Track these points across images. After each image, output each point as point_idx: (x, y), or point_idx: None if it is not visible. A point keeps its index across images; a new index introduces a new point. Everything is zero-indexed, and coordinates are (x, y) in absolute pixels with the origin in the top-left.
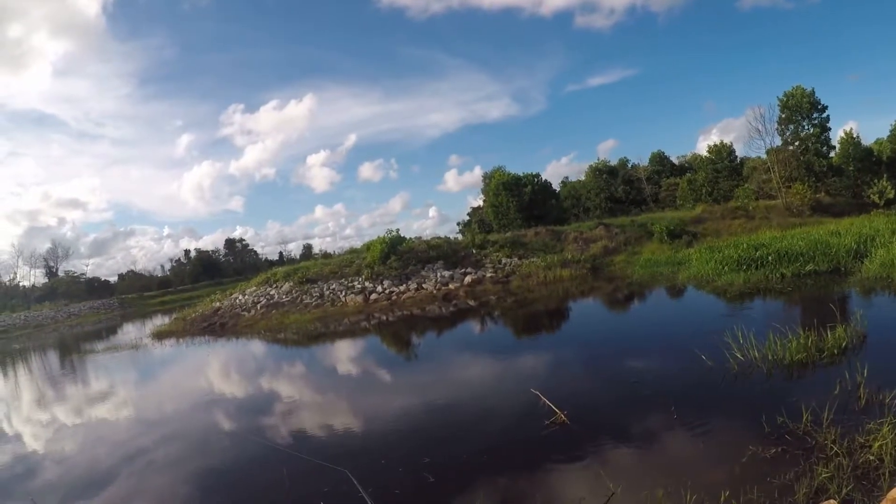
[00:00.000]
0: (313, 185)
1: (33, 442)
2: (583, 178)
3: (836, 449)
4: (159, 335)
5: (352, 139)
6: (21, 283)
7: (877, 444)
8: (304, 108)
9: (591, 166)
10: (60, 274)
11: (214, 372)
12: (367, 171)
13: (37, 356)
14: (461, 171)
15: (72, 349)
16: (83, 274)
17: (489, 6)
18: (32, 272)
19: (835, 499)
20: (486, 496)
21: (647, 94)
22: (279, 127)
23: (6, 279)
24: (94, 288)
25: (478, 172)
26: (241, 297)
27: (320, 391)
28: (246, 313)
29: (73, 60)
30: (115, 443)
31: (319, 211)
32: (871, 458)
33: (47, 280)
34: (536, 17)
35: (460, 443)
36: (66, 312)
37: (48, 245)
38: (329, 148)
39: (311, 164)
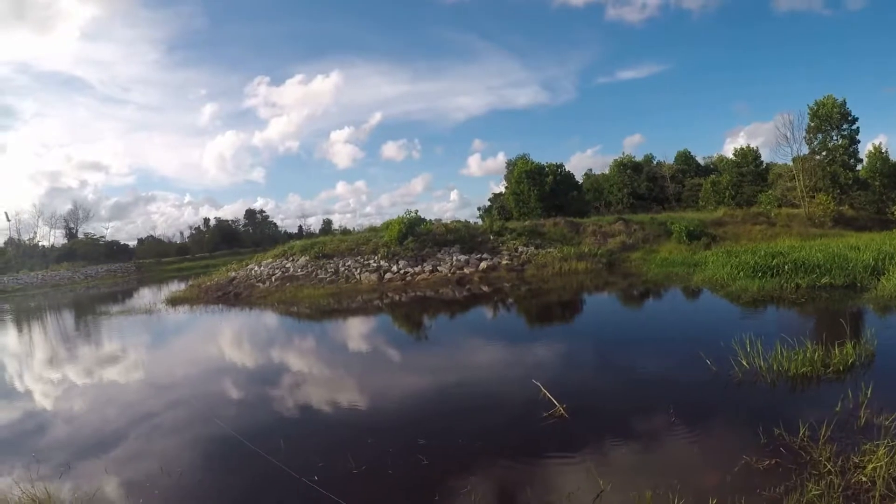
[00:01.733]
0: (336, 161)
1: (41, 399)
2: (606, 171)
3: (829, 467)
4: (174, 301)
5: (377, 117)
6: (41, 243)
7: (871, 466)
8: (330, 84)
9: (615, 160)
10: (80, 236)
11: (225, 341)
12: (390, 149)
13: (51, 315)
14: (484, 157)
15: (86, 310)
16: (102, 237)
17: None
18: (52, 233)
19: None
20: (477, 482)
21: (677, 92)
22: (304, 101)
23: (26, 238)
24: (113, 251)
25: (501, 158)
26: (256, 268)
27: (326, 366)
28: (261, 284)
29: (100, 24)
30: (118, 404)
31: (341, 187)
32: (864, 479)
33: (67, 241)
34: (568, 7)
35: (457, 427)
36: (84, 274)
37: (69, 206)
38: (353, 125)
39: (335, 140)
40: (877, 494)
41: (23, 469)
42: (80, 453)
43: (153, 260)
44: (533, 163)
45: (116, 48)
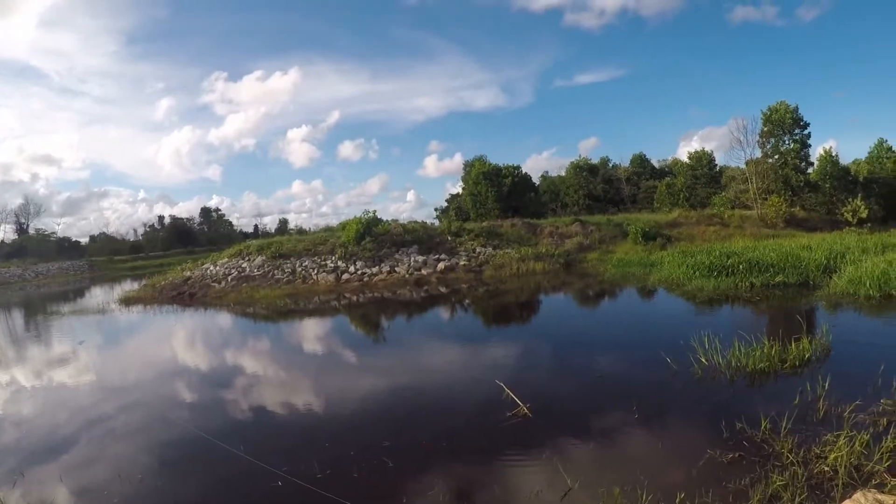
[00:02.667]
0: (292, 160)
1: None
2: (563, 173)
3: (791, 458)
4: (127, 301)
5: (335, 116)
6: None
7: (832, 456)
8: (288, 82)
9: (572, 163)
10: (31, 231)
11: (180, 342)
12: (347, 149)
13: (1, 315)
14: (441, 158)
15: (37, 310)
16: (54, 233)
17: None
18: (2, 228)
19: None
20: (443, 483)
21: (633, 96)
22: (261, 98)
23: None
24: (65, 248)
25: (458, 160)
26: (212, 267)
27: (284, 368)
28: (216, 284)
29: (61, 12)
30: (71, 408)
31: (297, 186)
32: (826, 468)
33: (17, 237)
34: (526, 11)
35: (422, 429)
36: (34, 272)
37: (20, 201)
38: (311, 123)
39: (292, 139)
40: (839, 483)
41: None
42: (34, 459)
43: (106, 258)
44: (490, 164)
45: (76, 38)
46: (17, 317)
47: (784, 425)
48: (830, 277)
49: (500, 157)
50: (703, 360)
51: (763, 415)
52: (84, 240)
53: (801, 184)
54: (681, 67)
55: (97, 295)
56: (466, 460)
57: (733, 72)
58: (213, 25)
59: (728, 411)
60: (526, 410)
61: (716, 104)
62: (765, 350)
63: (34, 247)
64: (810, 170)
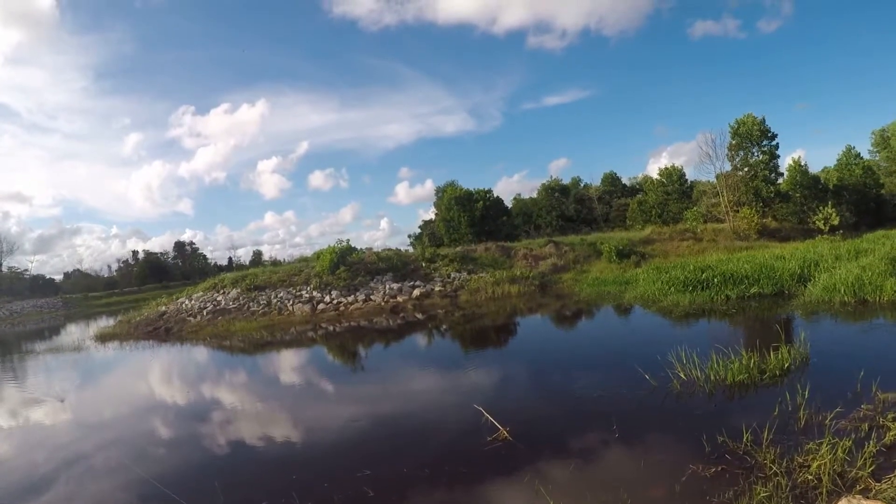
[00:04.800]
0: (263, 191)
1: None
2: (534, 195)
3: (774, 468)
4: (103, 338)
5: (304, 147)
6: None
7: (815, 464)
8: (255, 113)
9: (543, 184)
10: (3, 269)
11: (155, 378)
12: (317, 179)
13: None
14: (413, 184)
15: (11, 348)
16: (27, 270)
17: (443, 22)
18: None
19: None
20: None
21: (600, 115)
22: (229, 131)
23: None
24: (38, 286)
25: (429, 186)
26: (187, 301)
27: (262, 401)
28: (192, 319)
29: (26, 50)
30: (46, 447)
31: (269, 217)
32: (810, 477)
33: None
34: (489, 35)
35: (402, 457)
36: (8, 310)
37: None
38: (280, 154)
39: (262, 170)
40: (823, 491)
41: None
42: (12, 499)
43: (80, 295)
44: (462, 189)
45: (44, 74)
46: None
47: (766, 436)
48: (805, 286)
49: (471, 182)
50: (682, 374)
51: (744, 427)
52: (58, 277)
53: (772, 194)
54: (646, 85)
55: (72, 332)
56: (448, 486)
57: (698, 87)
58: (179, 60)
59: (709, 425)
60: (506, 434)
61: (683, 120)
62: (743, 362)
63: (7, 285)
64: (780, 180)
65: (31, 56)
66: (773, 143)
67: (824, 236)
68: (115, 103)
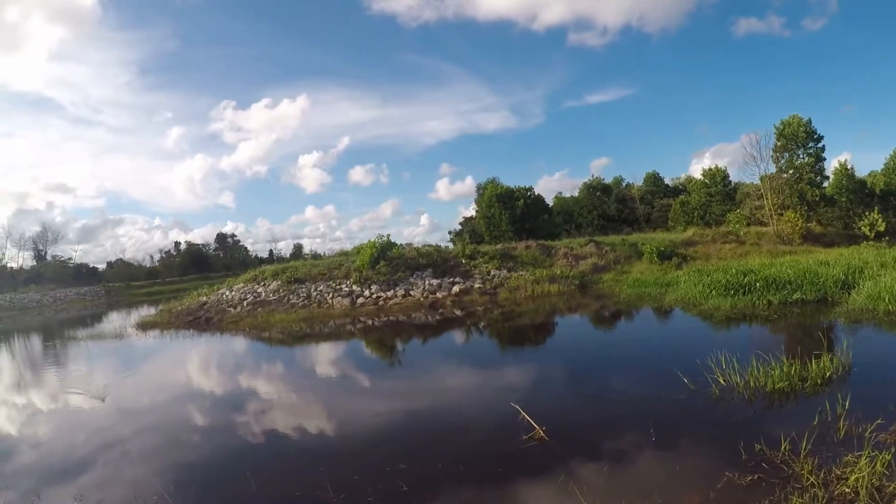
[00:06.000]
0: (304, 186)
1: (5, 425)
2: (575, 194)
3: (812, 479)
4: (144, 326)
5: (345, 142)
6: (8, 265)
7: (853, 477)
8: (297, 108)
9: (585, 183)
10: (48, 258)
11: (195, 366)
12: (357, 174)
13: (19, 339)
14: (453, 181)
15: (55, 334)
16: (71, 259)
17: (483, 18)
18: (21, 254)
19: None
20: None
21: (642, 114)
22: (270, 125)
23: None
24: (82, 274)
25: (470, 183)
26: (228, 292)
27: (298, 392)
28: (232, 309)
29: (70, 46)
30: (88, 431)
31: (310, 211)
32: (847, 490)
33: (35, 263)
34: (529, 32)
35: (436, 453)
36: (52, 297)
37: (37, 228)
38: (321, 149)
39: (303, 165)
40: None
41: None
42: (49, 480)
43: (122, 284)
44: (503, 186)
45: (89, 70)
46: (36, 341)
47: (804, 446)
48: (849, 293)
49: (511, 179)
50: (721, 379)
51: (782, 435)
52: (101, 266)
53: (817, 198)
54: (688, 83)
55: (114, 320)
56: (482, 484)
57: (741, 86)
58: (220, 56)
59: (747, 432)
60: (542, 433)
61: (725, 120)
62: (784, 369)
63: (52, 273)
64: (826, 184)
65: (76, 52)
66: (819, 145)
67: (870, 242)
68: (158, 98)
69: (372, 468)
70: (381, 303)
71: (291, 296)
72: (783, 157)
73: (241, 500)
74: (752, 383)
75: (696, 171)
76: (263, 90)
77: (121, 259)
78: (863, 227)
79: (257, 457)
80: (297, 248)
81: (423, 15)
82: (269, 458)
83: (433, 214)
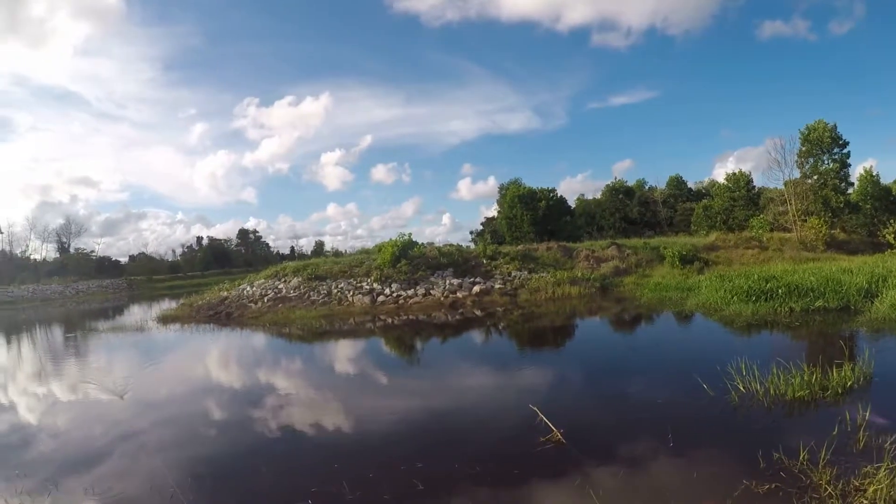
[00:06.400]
0: (326, 183)
1: (26, 414)
2: (597, 196)
3: (830, 490)
4: (165, 319)
5: (367, 140)
6: (32, 257)
7: (872, 489)
8: (320, 106)
9: (607, 185)
10: (72, 250)
11: (215, 361)
12: (379, 173)
13: (41, 330)
14: (475, 181)
15: (76, 325)
16: (93, 252)
17: (507, 19)
18: (44, 246)
19: None
20: None
21: (666, 117)
22: (293, 123)
23: (18, 251)
24: (104, 267)
25: (492, 183)
26: (249, 288)
27: (319, 388)
28: (252, 305)
29: (95, 41)
30: (106, 422)
31: (332, 209)
32: (865, 502)
33: (58, 255)
34: (553, 33)
35: (453, 452)
36: (75, 289)
37: (61, 221)
38: (344, 147)
39: (325, 163)
40: None
41: (6, 483)
42: (67, 470)
43: (144, 277)
44: (525, 187)
45: (113, 65)
46: (57, 332)
47: (823, 456)
48: (872, 302)
49: (534, 180)
50: (741, 386)
51: (801, 445)
52: (123, 259)
53: (842, 205)
54: (712, 86)
55: (135, 312)
56: (498, 485)
57: (766, 90)
58: (244, 53)
59: (765, 440)
60: (559, 436)
61: (750, 124)
62: (804, 377)
63: (74, 265)
64: (850, 190)
65: (101, 47)
66: (845, 150)
67: (894, 251)
68: (182, 94)
69: (388, 466)
70: (401, 301)
71: (312, 293)
72: (808, 163)
73: (257, 494)
74: (772, 391)
75: (720, 174)
76: (286, 88)
77: (143, 253)
78: (887, 235)
79: (274, 452)
80: (319, 246)
81: (446, 14)
82: (285, 454)
83: (455, 214)
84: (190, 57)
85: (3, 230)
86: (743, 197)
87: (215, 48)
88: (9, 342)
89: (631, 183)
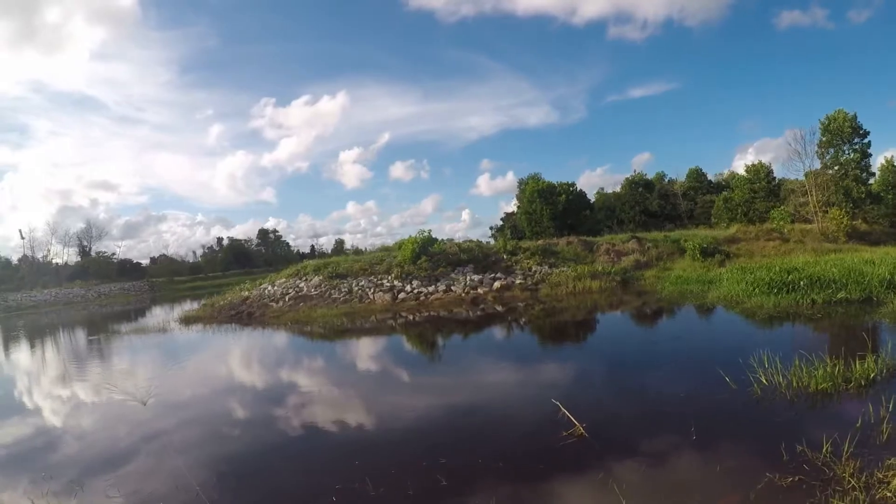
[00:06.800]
0: (345, 182)
1: (51, 417)
2: (617, 189)
3: (853, 483)
4: (187, 320)
5: (385, 138)
6: (54, 261)
7: (895, 481)
8: (336, 105)
9: (627, 179)
10: (93, 254)
11: (238, 361)
12: (398, 170)
13: (64, 333)
14: (493, 176)
15: (99, 328)
16: (114, 255)
17: (523, 13)
18: (65, 250)
19: None
20: (497, 502)
21: (686, 109)
22: (310, 122)
23: (39, 256)
24: (126, 269)
25: (510, 178)
26: (270, 287)
27: (341, 386)
28: (274, 304)
29: (110, 46)
30: (131, 423)
31: (351, 207)
32: (889, 494)
33: (80, 259)
34: (569, 27)
35: (476, 448)
36: (97, 292)
37: (81, 225)
38: (362, 145)
39: (343, 161)
40: None
41: (33, 485)
42: (92, 471)
43: (166, 279)
44: (545, 182)
45: (131, 69)
46: (80, 335)
47: (846, 448)
48: (895, 294)
49: (553, 175)
50: (763, 379)
51: (824, 437)
52: (144, 261)
53: (863, 195)
54: (731, 77)
55: (157, 314)
56: (521, 480)
57: (785, 80)
58: (259, 54)
59: (788, 433)
60: (582, 430)
61: (769, 115)
62: (827, 369)
63: (96, 268)
64: (872, 181)
65: (118, 51)
66: (865, 140)
67: None
68: (199, 95)
69: (411, 462)
70: (422, 298)
71: (333, 291)
72: (828, 153)
73: (281, 492)
74: (794, 383)
75: (740, 166)
76: (302, 87)
77: (164, 254)
78: None
79: (297, 449)
80: (339, 244)
81: (461, 10)
82: (309, 451)
83: (474, 210)
84: (206, 58)
85: (24, 235)
86: (763, 188)
87: (230, 49)
88: (33, 346)
89: (650, 176)
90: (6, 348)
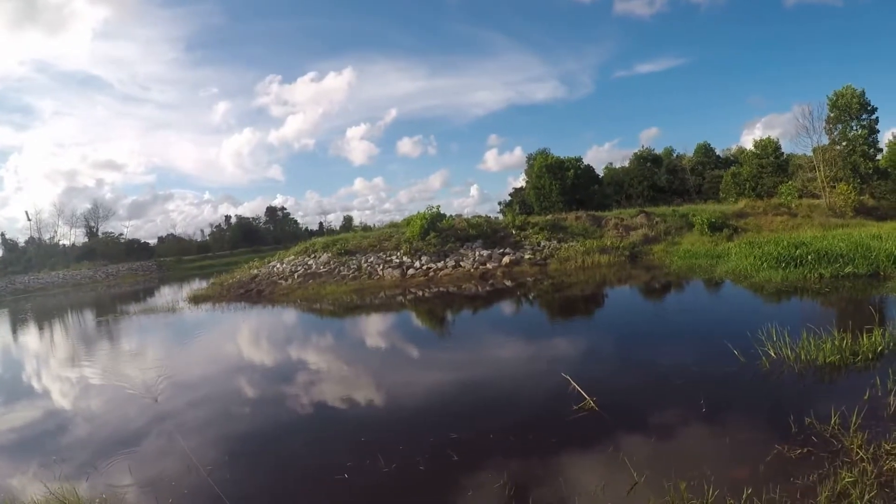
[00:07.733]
0: (352, 158)
1: (60, 399)
2: (625, 164)
3: (861, 454)
4: (196, 299)
5: (392, 114)
6: (61, 242)
7: None
8: (343, 81)
9: (635, 154)
10: (100, 235)
11: (248, 338)
12: (405, 146)
13: (73, 314)
14: (501, 152)
15: (108, 309)
16: (122, 235)
17: None
18: (72, 231)
19: None
20: (509, 476)
21: (693, 84)
22: (317, 99)
23: (46, 237)
24: (133, 249)
25: (518, 153)
26: (279, 265)
27: (352, 362)
28: (283, 282)
29: (113, 24)
30: (142, 404)
31: (359, 183)
32: None
33: (87, 240)
34: (576, 1)
35: (487, 422)
36: (105, 272)
37: (88, 205)
38: (369, 121)
39: (351, 137)
40: None
41: (45, 469)
42: (104, 453)
43: (174, 258)
44: (553, 157)
45: (135, 47)
46: (89, 316)
47: (854, 420)
48: None
49: (561, 150)
50: (772, 352)
51: (833, 409)
52: (152, 241)
53: (871, 171)
54: (739, 53)
55: (166, 294)
56: (532, 454)
57: (793, 56)
58: (265, 31)
59: (796, 405)
60: (592, 404)
61: (777, 90)
62: (835, 343)
63: (104, 249)
64: (879, 156)
65: (122, 30)
66: (873, 116)
67: None
68: (205, 73)
69: (423, 438)
70: (431, 274)
71: (342, 268)
72: (836, 129)
73: (294, 468)
74: (802, 356)
75: (748, 141)
76: (308, 63)
77: (171, 234)
78: None
79: (309, 426)
80: (347, 220)
81: None
82: (320, 428)
83: (482, 185)
84: (211, 36)
85: (30, 217)
86: (771, 164)
87: (236, 27)
88: (41, 328)
89: (659, 151)
90: (15, 331)
